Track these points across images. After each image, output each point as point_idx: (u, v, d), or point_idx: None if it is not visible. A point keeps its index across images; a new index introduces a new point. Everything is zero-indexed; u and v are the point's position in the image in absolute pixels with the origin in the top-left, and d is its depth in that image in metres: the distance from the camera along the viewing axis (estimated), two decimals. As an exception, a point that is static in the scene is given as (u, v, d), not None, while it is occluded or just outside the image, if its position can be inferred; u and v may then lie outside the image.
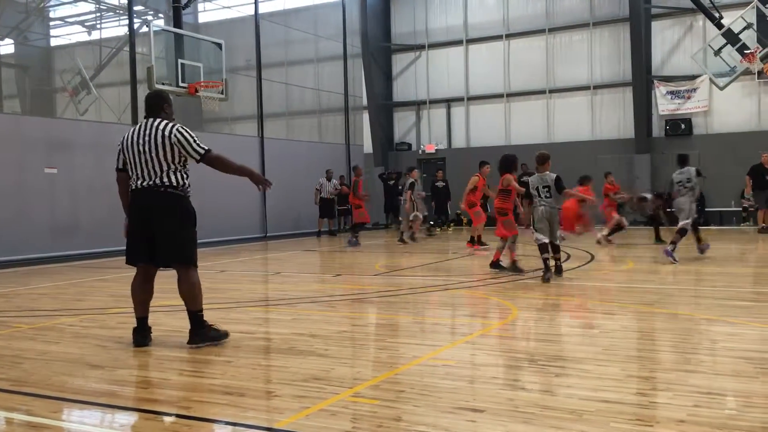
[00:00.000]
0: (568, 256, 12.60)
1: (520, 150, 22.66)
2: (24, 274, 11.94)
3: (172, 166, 5.55)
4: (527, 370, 4.78)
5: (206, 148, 5.62)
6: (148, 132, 5.60)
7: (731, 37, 17.46)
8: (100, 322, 7.11)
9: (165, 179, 5.53)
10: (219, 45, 16.17)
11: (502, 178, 10.44)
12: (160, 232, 5.55)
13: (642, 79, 21.31)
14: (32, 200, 14.05)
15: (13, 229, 13.59)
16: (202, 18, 25.01)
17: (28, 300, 9.01)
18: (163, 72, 14.96)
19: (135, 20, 16.84)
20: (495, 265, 10.28)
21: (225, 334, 5.77)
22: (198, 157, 5.56)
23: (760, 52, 17.20)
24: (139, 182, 5.62)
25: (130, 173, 5.70)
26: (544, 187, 9.30)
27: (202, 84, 15.50)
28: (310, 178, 20.09)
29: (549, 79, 23.18)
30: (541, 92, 23.28)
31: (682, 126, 21.18)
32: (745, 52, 17.26)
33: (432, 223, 20.29)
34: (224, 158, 5.70)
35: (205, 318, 5.75)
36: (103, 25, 23.82)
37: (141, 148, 5.57)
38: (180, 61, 15.07)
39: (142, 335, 5.83)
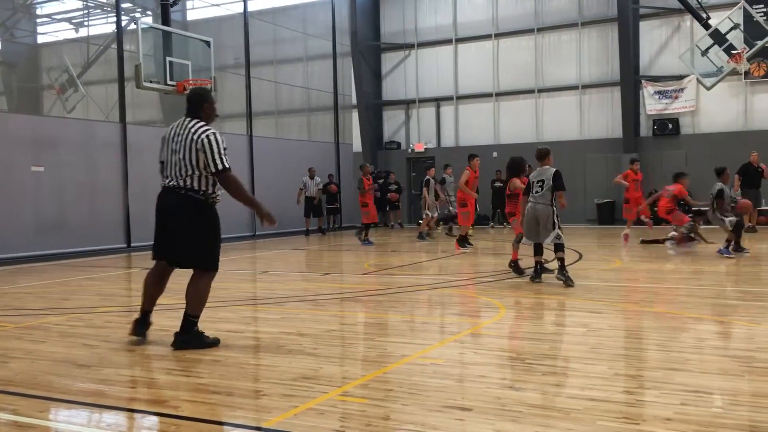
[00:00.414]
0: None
1: (509, 149, 22.78)
2: (10, 273, 11.85)
3: (197, 171, 5.40)
4: (515, 369, 4.79)
5: (227, 165, 5.41)
6: (181, 132, 5.49)
7: (718, 38, 17.56)
8: (86, 321, 7.07)
9: (188, 182, 5.41)
10: (208, 43, 16.10)
11: (509, 182, 10.32)
12: (177, 234, 5.48)
13: (630, 79, 21.41)
14: (19, 198, 13.95)
15: (-1, 228, 13.48)
16: (191, 15, 24.90)
17: (14, 299, 8.94)
18: (151, 70, 14.87)
19: (123, 17, 16.74)
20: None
21: (215, 342, 5.65)
22: (214, 170, 5.36)
23: (746, 53, 17.31)
24: (166, 181, 5.54)
25: (163, 170, 5.61)
26: (538, 181, 8.89)
27: (191, 82, 15.41)
28: (299, 176, 20.05)
29: (538, 79, 23.24)
30: (530, 92, 23.35)
31: (670, 126, 21.31)
32: (732, 52, 17.36)
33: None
34: (239, 183, 5.53)
35: (198, 327, 5.67)
36: (90, 23, 23.67)
37: (173, 147, 5.48)
38: (168, 58, 14.98)
39: (141, 326, 5.84)
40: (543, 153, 9.20)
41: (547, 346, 5.46)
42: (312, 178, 19.87)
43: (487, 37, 23.86)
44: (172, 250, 5.57)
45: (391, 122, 25.95)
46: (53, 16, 24.05)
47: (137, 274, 11.85)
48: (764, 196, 18.54)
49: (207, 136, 5.37)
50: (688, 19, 20.58)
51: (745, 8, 17.37)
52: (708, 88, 18.28)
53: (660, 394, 4.11)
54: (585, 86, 22.62)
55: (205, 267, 5.57)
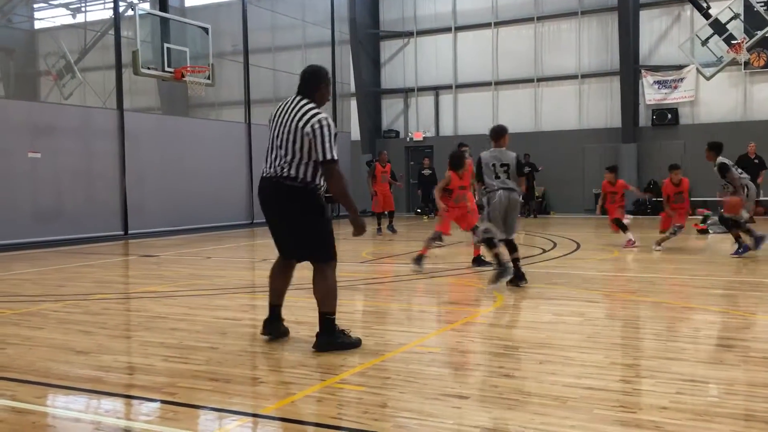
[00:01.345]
0: (554, 245, 12.67)
1: (508, 138, 22.82)
2: (7, 259, 11.85)
3: (298, 157, 4.88)
4: (512, 358, 4.81)
5: (336, 157, 4.88)
6: (289, 113, 4.97)
7: (718, 28, 17.52)
8: (84, 308, 7.07)
9: (288, 171, 4.90)
10: (206, 29, 16.04)
11: (446, 176, 9.52)
12: (287, 229, 5.06)
13: (629, 68, 21.37)
14: (15, 185, 13.92)
15: (-4, 214, 13.46)
16: (189, 2, 24.77)
17: (11, 285, 8.94)
18: (148, 56, 14.82)
19: (120, 3, 16.64)
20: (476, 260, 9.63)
21: (357, 342, 5.08)
22: (322, 159, 4.83)
23: (746, 43, 17.28)
24: (265, 169, 5.06)
25: (265, 154, 5.12)
26: (501, 165, 7.78)
27: (189, 69, 15.38)
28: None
29: (537, 68, 23.19)
30: (529, 81, 23.29)
31: (669, 116, 21.29)
32: (732, 42, 17.32)
33: (419, 210, 20.11)
34: (344, 181, 4.97)
35: (336, 323, 5.09)
36: (87, 8, 23.55)
37: (278, 129, 4.99)
38: (166, 45, 14.93)
39: (270, 324, 5.36)
40: (500, 131, 8.15)
41: (544, 335, 5.47)
42: None
43: (487, 25, 23.77)
44: (286, 244, 5.18)
45: (390, 111, 25.89)
46: (50, 2, 23.91)
47: (134, 262, 11.86)
48: (763, 188, 18.54)
49: (319, 121, 4.84)
50: (688, 9, 20.53)
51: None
52: (708, 78, 18.25)
53: (656, 383, 4.12)
54: (584, 75, 22.57)
55: (326, 259, 5.04)
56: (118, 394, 4.16)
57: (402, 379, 4.29)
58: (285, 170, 4.91)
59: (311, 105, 4.95)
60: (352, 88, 25.10)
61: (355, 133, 25.17)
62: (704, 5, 17.87)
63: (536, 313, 6.52)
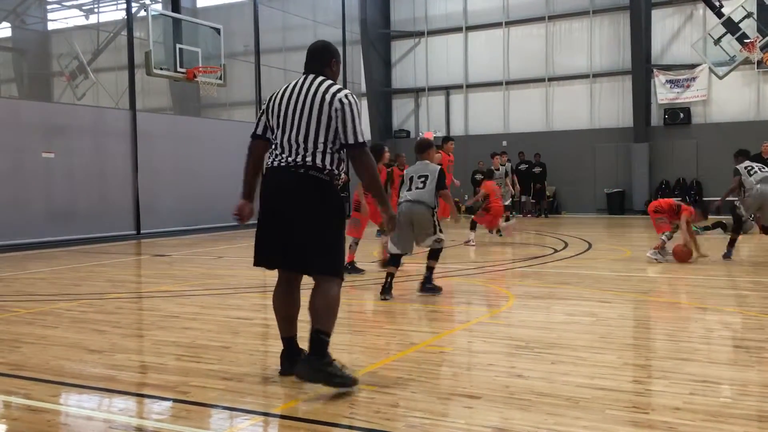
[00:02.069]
0: (566, 245, 12.63)
1: (519, 138, 22.83)
2: (21, 259, 11.94)
3: (326, 143, 4.11)
4: (524, 358, 4.80)
5: (365, 139, 4.21)
6: (305, 92, 4.19)
7: (731, 26, 17.41)
8: (97, 307, 7.12)
9: (310, 158, 4.09)
10: (217, 30, 16.10)
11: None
12: (295, 227, 4.09)
13: (641, 67, 21.27)
14: (30, 185, 14.03)
15: (10, 214, 13.57)
16: (201, 2, 24.89)
17: (26, 285, 9.01)
18: (161, 57, 14.89)
19: (133, 4, 16.72)
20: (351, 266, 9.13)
21: (351, 381, 4.04)
22: (352, 141, 4.10)
23: (760, 42, 17.16)
24: (278, 157, 4.19)
25: (272, 143, 4.29)
26: (420, 176, 7.44)
27: (201, 69, 15.44)
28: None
29: (548, 67, 23.12)
30: (540, 80, 23.23)
31: (681, 115, 21.18)
32: (745, 41, 17.21)
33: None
34: (373, 166, 4.22)
35: (330, 353, 4.11)
36: (100, 9, 23.70)
37: (291, 112, 4.17)
38: (178, 45, 15.00)
39: (288, 360, 4.34)
40: (424, 145, 7.75)
41: (556, 335, 5.46)
42: None
43: (498, 25, 23.73)
44: (286, 249, 4.15)
45: (401, 110, 25.89)
46: (63, 3, 24.09)
47: (147, 261, 11.92)
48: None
49: (347, 97, 4.14)
50: (700, 8, 20.42)
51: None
52: (720, 77, 18.16)
53: (669, 383, 4.11)
54: (596, 75, 22.48)
55: (336, 273, 4.16)
56: (130, 392, 4.18)
57: (413, 379, 4.29)
58: (309, 158, 4.08)
59: (330, 81, 4.26)
60: (363, 88, 25.12)
61: (366, 133, 25.13)
62: (717, 4, 17.77)
63: (548, 313, 6.50)
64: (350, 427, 3.50)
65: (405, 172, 7.85)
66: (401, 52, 25.68)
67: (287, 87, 4.33)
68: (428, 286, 7.44)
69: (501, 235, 14.02)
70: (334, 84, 4.23)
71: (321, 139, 4.10)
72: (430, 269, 7.48)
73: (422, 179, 7.41)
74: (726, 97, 20.64)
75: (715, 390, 3.99)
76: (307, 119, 4.12)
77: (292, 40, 23.27)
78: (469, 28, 24.29)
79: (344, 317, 6.48)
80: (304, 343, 4.23)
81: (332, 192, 4.14)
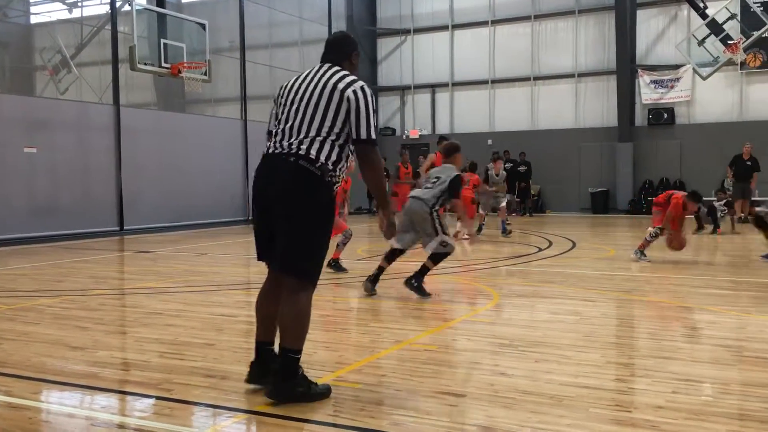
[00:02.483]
0: (550, 243, 12.69)
1: (504, 137, 22.89)
2: (3, 255, 11.81)
3: (328, 134, 3.79)
4: (508, 356, 4.81)
5: (376, 137, 3.89)
6: (317, 80, 3.89)
7: (715, 28, 17.54)
8: (80, 304, 7.06)
9: (305, 147, 3.76)
10: (203, 25, 16.00)
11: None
12: (276, 220, 3.79)
13: (626, 67, 21.41)
14: (11, 180, 13.88)
15: (-9, 209, 13.43)
16: (186, -2, 24.68)
17: (7, 281, 8.92)
18: (145, 52, 14.77)
19: (117, -2, 16.59)
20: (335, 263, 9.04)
21: (325, 391, 3.88)
22: (364, 137, 3.79)
23: (743, 43, 17.31)
24: (273, 144, 3.89)
25: (272, 132, 4.00)
26: (435, 177, 7.38)
27: (185, 65, 15.34)
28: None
29: (534, 66, 23.20)
30: (526, 79, 23.31)
31: (665, 115, 21.34)
32: (729, 42, 17.35)
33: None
34: (381, 167, 3.93)
35: (302, 368, 3.86)
36: (84, 3, 23.46)
37: (299, 99, 3.88)
38: (163, 41, 14.88)
39: (257, 368, 4.03)
40: (450, 148, 7.57)
41: (540, 333, 5.48)
42: None
43: (484, 23, 23.79)
44: (270, 243, 3.88)
45: (387, 108, 25.88)
46: (46, -4, 23.81)
47: (130, 258, 11.83)
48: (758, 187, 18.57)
49: (362, 89, 3.84)
50: (685, 9, 20.57)
51: (742, -2, 17.37)
52: (704, 78, 18.29)
53: (652, 382, 4.13)
54: (581, 74, 22.59)
55: (307, 276, 3.81)
56: (113, 390, 4.15)
57: (398, 376, 4.29)
58: (303, 148, 3.76)
59: (346, 72, 3.96)
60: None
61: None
62: (701, 5, 17.90)
63: (532, 312, 6.53)
64: (334, 425, 3.50)
65: (429, 173, 7.76)
66: (387, 49, 25.67)
67: (299, 75, 4.04)
68: (414, 284, 7.20)
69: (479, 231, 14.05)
70: (350, 75, 3.94)
71: (325, 127, 3.79)
72: (423, 269, 7.24)
73: (434, 180, 7.35)
74: (709, 98, 20.81)
75: (697, 388, 4.03)
76: (314, 106, 3.81)
77: (278, 36, 23.19)
78: (456, 27, 24.32)
79: (329, 314, 6.47)
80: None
81: (322, 188, 3.76)
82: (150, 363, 4.72)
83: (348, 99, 3.79)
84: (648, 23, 21.83)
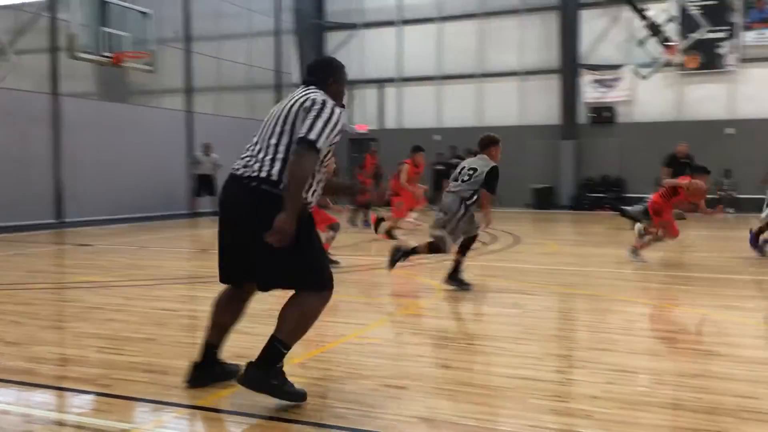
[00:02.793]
0: (494, 238, 12.87)
1: (451, 133, 23.07)
2: (-67, 248, 11.38)
3: (282, 149, 3.61)
4: (450, 349, 4.88)
5: (321, 146, 3.54)
6: (289, 99, 3.78)
7: (655, 30, 18.05)
8: (14, 298, 6.85)
9: (266, 168, 3.61)
10: (147, 14, 15.66)
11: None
12: (253, 248, 3.62)
13: (570, 67, 21.83)
14: (-57, 170, 13.37)
15: None
16: (129, -14, 24.11)
17: (-62, 274, 8.60)
18: (86, 40, 14.38)
19: (57, -15, 16.10)
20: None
21: (299, 397, 3.70)
22: (302, 134, 3.52)
23: (681, 45, 17.85)
24: (238, 162, 3.79)
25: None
26: (470, 168, 7.34)
27: (128, 54, 14.99)
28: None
29: (481, 64, 23.45)
30: (473, 76, 23.55)
31: (606, 114, 21.85)
32: (667, 44, 17.86)
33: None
34: (307, 173, 3.52)
35: (284, 367, 3.72)
36: (22, -11, 22.68)
37: (268, 119, 3.78)
38: (105, 29, 14.51)
39: (200, 371, 3.95)
40: (486, 141, 7.52)
41: (482, 326, 5.57)
42: (208, 155, 18.10)
43: (432, 20, 23.92)
44: (246, 266, 3.75)
45: (334, 102, 25.78)
46: (-18, -20, 22.95)
47: (69, 251, 11.53)
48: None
49: (324, 102, 3.64)
50: (627, 10, 21.06)
51: (680, 2, 17.89)
52: (643, 78, 18.80)
53: (588, 373, 4.25)
54: (526, 73, 22.93)
55: (314, 285, 3.75)
56: (50, 386, 4.06)
57: (342, 370, 4.31)
58: (265, 168, 3.61)
59: (320, 92, 3.76)
60: (295, 79, 24.92)
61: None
62: (641, 7, 18.38)
63: (475, 305, 6.62)
64: (278, 419, 3.49)
65: (460, 164, 7.57)
66: (335, 43, 25.57)
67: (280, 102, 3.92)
68: (455, 278, 7.15)
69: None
70: (321, 93, 3.75)
71: (283, 142, 3.61)
72: (453, 264, 7.24)
73: (471, 171, 7.24)
74: (649, 98, 21.38)
75: (631, 379, 4.15)
76: (275, 122, 3.68)
77: (226, 27, 22.84)
78: (404, 22, 24.39)
79: (274, 308, 6.41)
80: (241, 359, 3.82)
81: (277, 204, 3.48)
82: (88, 358, 4.62)
83: (305, 108, 3.62)
84: (591, 23, 22.27)
